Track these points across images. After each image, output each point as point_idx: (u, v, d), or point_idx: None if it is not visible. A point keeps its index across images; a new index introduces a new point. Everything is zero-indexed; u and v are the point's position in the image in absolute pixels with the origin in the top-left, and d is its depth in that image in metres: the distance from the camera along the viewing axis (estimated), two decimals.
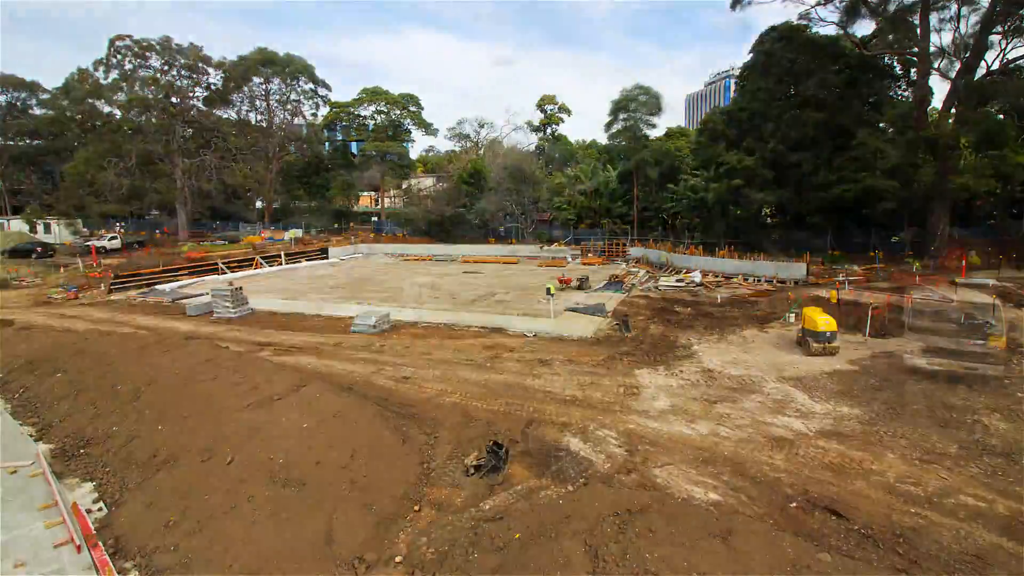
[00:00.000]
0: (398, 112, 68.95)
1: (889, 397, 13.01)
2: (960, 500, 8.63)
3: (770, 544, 7.07)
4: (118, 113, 52.42)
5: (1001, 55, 32.65)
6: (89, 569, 7.90)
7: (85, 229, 57.09)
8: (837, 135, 37.34)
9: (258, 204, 69.51)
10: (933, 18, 33.13)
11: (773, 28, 41.07)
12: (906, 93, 39.02)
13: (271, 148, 63.34)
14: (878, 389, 13.60)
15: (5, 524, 9.01)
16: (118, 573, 7.82)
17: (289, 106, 66.90)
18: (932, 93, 36.42)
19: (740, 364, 16.01)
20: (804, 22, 38.83)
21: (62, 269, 38.72)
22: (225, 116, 60.14)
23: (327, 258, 51.34)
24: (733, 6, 39.57)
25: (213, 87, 57.66)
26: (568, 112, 69.68)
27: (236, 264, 41.35)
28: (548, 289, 22.38)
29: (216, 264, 39.86)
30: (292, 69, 64.16)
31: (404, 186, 72.20)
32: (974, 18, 32.35)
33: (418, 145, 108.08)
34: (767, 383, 14.29)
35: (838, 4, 35.86)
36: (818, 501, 8.53)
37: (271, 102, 65.95)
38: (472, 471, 9.50)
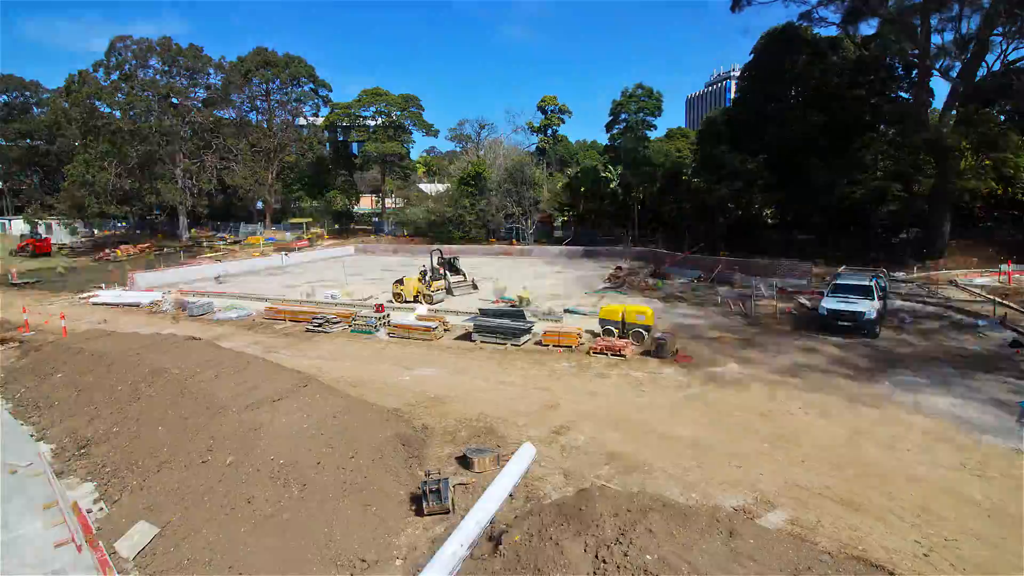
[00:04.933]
0: (399, 113, 68.97)
1: None
2: None
3: (771, 545, 7.05)
4: (118, 114, 52.44)
5: (1002, 56, 32.66)
6: (89, 569, 7.90)
7: (85, 229, 57.16)
8: (839, 137, 37.34)
9: (259, 205, 69.56)
10: (934, 18, 33.14)
11: (774, 29, 41.12)
12: (907, 95, 39.02)
13: (271, 149, 63.33)
14: None
15: (6, 524, 9.01)
16: (118, 573, 7.81)
17: (289, 107, 66.92)
18: (933, 94, 36.44)
19: None
20: (805, 23, 38.84)
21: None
22: (225, 117, 60.17)
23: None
24: (734, 7, 39.58)
25: (213, 88, 57.70)
26: (568, 113, 69.75)
27: None
28: None
29: None
30: (292, 70, 64.20)
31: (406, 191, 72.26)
32: (975, 18, 32.34)
33: (419, 146, 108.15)
34: None
35: (839, 4, 35.88)
36: None
37: (271, 103, 66.00)
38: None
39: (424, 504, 8.72)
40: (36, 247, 50.58)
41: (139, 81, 51.64)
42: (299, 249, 51.28)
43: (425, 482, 8.82)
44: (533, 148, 69.88)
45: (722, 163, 40.40)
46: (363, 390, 14.56)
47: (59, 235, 58.14)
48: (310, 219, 57.60)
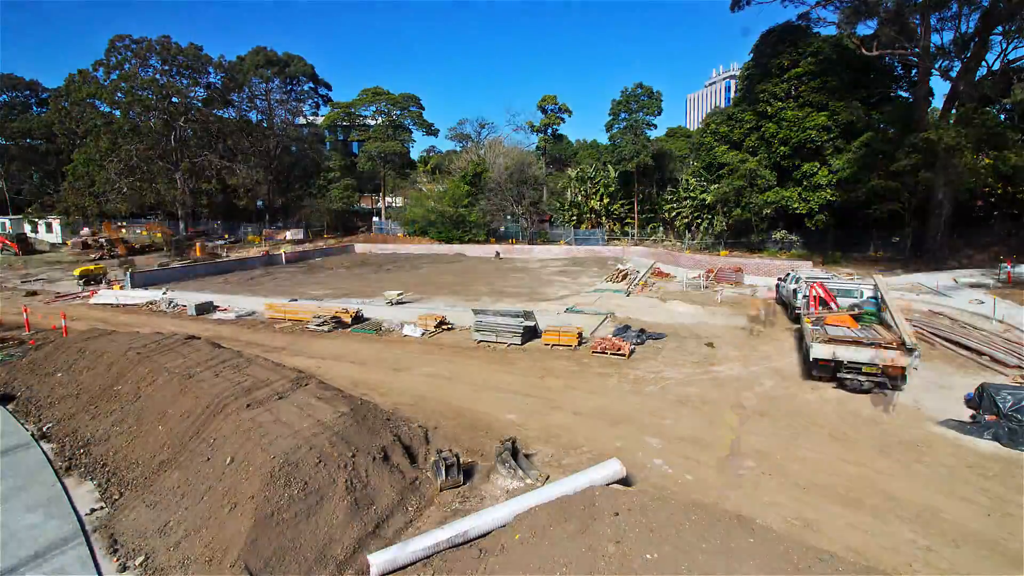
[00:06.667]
0: (399, 112, 68.91)
1: None
2: None
3: (771, 545, 7.05)
4: (118, 113, 52.42)
5: (1002, 55, 32.62)
6: (89, 569, 7.90)
7: (85, 229, 57.16)
8: (838, 136, 37.32)
9: (259, 204, 69.53)
10: (934, 18, 33.11)
11: (773, 28, 41.08)
12: (907, 94, 39.01)
13: (271, 148, 63.29)
14: None
15: (6, 523, 9.01)
16: (118, 573, 7.82)
17: (289, 106, 66.87)
18: (933, 94, 36.41)
19: None
20: (805, 22, 38.81)
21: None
22: (225, 116, 60.14)
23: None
24: (733, 7, 39.53)
25: (213, 87, 57.66)
26: (569, 112, 69.62)
27: None
28: None
29: None
30: (292, 69, 64.15)
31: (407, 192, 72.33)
32: (975, 17, 32.31)
33: (419, 145, 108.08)
34: None
35: (839, 4, 35.85)
36: None
37: (271, 102, 65.95)
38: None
39: (439, 480, 9.54)
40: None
41: (139, 80, 51.59)
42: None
43: (438, 459, 9.66)
44: (533, 147, 69.83)
45: (722, 162, 40.41)
46: (363, 389, 14.58)
47: (59, 235, 58.20)
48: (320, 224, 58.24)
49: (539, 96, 74.44)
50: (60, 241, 57.56)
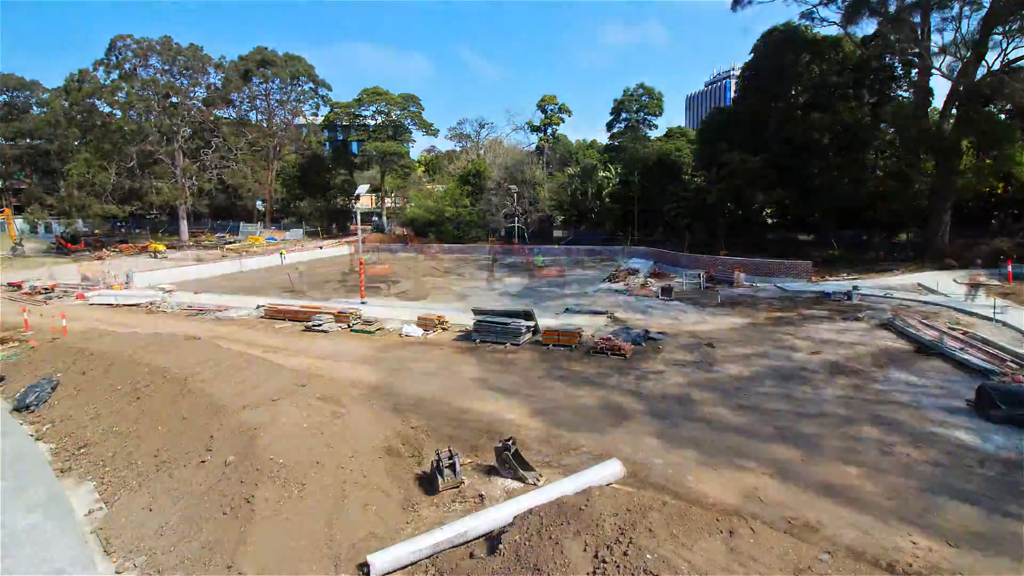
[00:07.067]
0: (399, 112, 68.86)
1: None
2: None
3: (771, 544, 7.04)
4: (118, 113, 52.40)
5: (1002, 55, 32.60)
6: (89, 569, 7.89)
7: (84, 229, 57.14)
8: (839, 136, 37.29)
9: (259, 204, 69.53)
10: (934, 17, 33.10)
11: (774, 28, 41.04)
12: (907, 93, 38.97)
13: (271, 148, 63.29)
14: None
15: (5, 523, 9.00)
16: (117, 573, 7.80)
17: (289, 106, 66.87)
18: (933, 94, 36.39)
19: None
20: (806, 22, 38.78)
21: None
22: (225, 116, 60.13)
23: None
24: (734, 6, 39.50)
25: (213, 87, 57.64)
26: (568, 112, 69.61)
27: None
28: None
29: None
30: (292, 70, 64.14)
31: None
32: (976, 18, 32.28)
33: (419, 145, 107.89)
34: None
35: (840, 4, 35.79)
36: None
37: (271, 102, 65.97)
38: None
39: (439, 480, 9.34)
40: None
41: (139, 80, 51.56)
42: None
43: (438, 459, 9.46)
44: (533, 147, 69.81)
45: (722, 161, 40.37)
46: (362, 389, 14.57)
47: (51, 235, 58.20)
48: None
49: (539, 96, 74.40)
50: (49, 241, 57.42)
